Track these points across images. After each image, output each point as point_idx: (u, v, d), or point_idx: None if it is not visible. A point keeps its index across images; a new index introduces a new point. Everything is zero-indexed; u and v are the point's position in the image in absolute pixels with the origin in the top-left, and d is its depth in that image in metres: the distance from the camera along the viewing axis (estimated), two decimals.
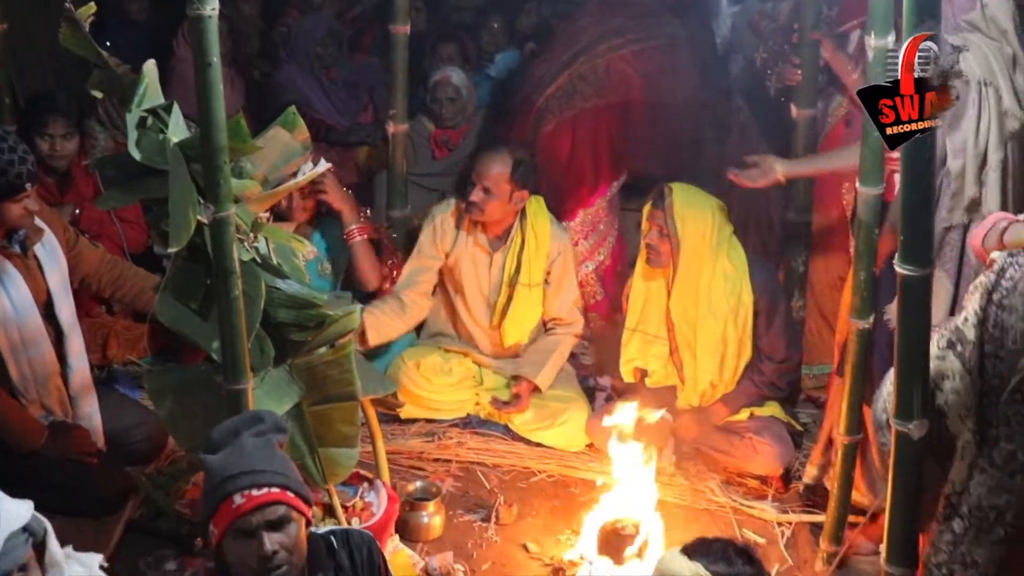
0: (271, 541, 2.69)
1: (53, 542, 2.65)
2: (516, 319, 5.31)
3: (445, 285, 5.39)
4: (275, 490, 2.70)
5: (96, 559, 2.82)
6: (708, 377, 4.97)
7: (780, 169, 4.81)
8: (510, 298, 5.22)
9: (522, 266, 5.18)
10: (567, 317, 5.39)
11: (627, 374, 5.13)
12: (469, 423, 5.29)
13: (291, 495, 2.75)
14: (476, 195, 5.04)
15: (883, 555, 2.97)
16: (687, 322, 4.94)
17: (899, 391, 2.82)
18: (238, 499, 2.66)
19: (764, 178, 4.81)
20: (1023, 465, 2.83)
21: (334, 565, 2.86)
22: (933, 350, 2.98)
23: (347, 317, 3.63)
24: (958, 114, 3.48)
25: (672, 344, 5.01)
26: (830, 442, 4.42)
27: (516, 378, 5.27)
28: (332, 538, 2.91)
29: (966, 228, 3.60)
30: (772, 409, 5.03)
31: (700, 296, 4.87)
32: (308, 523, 2.83)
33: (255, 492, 2.67)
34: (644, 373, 5.09)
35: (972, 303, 2.97)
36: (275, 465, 2.78)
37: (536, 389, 5.21)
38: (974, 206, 3.62)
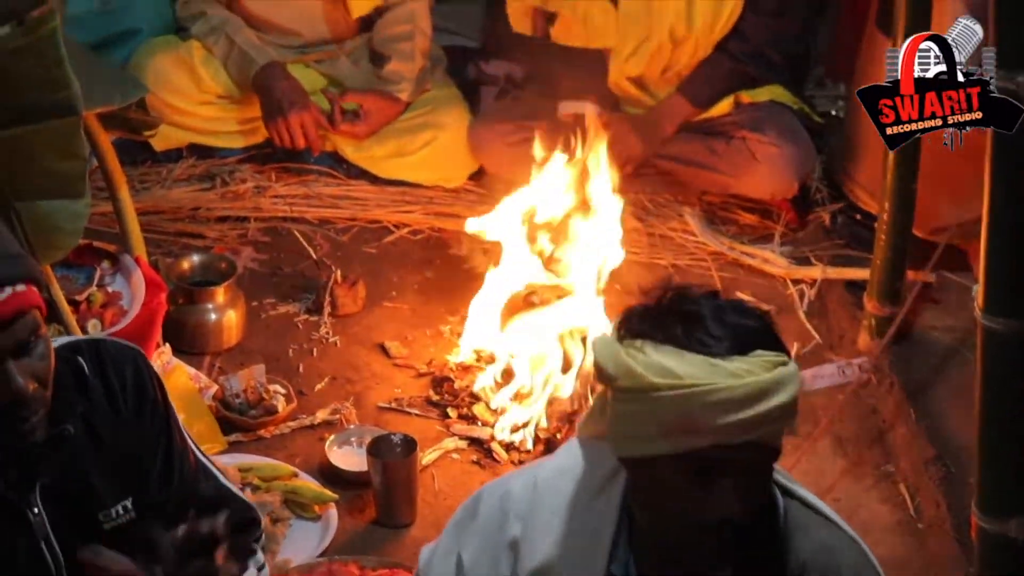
0: (22, 373, 2.44)
1: None
2: None
3: None
4: (20, 287, 2.45)
5: None
6: (667, 21, 4.59)
7: None
8: None
9: None
10: None
11: (516, 18, 4.84)
12: (273, 154, 4.96)
13: (36, 291, 2.48)
14: None
15: (979, 301, 2.89)
16: None
17: None
18: None
19: None
20: None
21: (83, 402, 2.63)
22: None
23: None
24: None
25: None
26: None
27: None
28: (80, 359, 2.68)
29: None
30: (772, 92, 4.64)
31: None
32: None
33: None
34: (548, 18, 4.76)
35: None
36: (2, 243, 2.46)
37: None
38: None
